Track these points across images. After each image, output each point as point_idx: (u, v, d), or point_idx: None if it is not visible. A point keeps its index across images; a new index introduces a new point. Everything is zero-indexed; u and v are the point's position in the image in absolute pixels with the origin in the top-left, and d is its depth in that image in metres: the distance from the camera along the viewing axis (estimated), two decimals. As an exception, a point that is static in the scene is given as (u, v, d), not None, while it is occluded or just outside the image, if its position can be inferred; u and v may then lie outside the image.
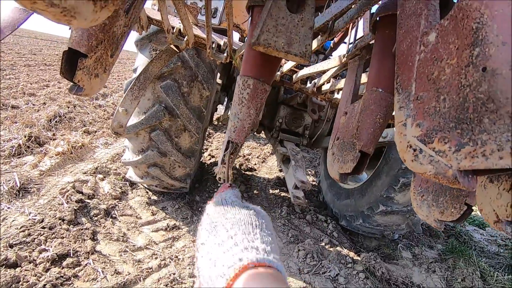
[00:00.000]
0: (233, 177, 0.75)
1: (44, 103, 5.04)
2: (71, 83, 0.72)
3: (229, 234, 0.51)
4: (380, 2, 0.81)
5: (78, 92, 0.72)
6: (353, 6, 0.87)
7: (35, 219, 2.13)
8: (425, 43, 0.47)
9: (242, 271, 0.44)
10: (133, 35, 2.33)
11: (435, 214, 0.91)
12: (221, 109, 4.44)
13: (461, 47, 0.38)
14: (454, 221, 0.84)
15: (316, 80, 1.73)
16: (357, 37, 1.19)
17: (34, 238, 1.95)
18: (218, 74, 3.21)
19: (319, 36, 1.08)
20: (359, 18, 1.10)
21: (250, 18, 0.73)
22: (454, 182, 0.37)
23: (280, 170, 4.68)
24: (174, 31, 1.50)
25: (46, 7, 0.27)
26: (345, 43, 1.87)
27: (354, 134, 0.81)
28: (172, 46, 1.56)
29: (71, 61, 0.68)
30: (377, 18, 0.80)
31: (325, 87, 1.68)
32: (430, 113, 0.42)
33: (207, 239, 0.53)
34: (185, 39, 1.50)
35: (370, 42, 0.96)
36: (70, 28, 0.68)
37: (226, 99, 3.72)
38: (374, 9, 0.96)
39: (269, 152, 5.54)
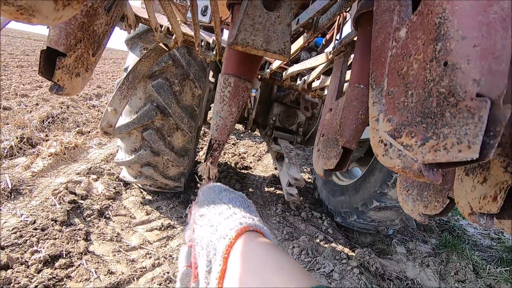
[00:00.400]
0: (217, 175, 0.76)
1: (36, 104, 5.00)
2: (52, 83, 0.71)
3: (227, 206, 0.57)
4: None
5: (59, 92, 0.72)
6: (337, 2, 0.87)
7: (27, 220, 2.12)
8: (396, 39, 0.47)
9: (242, 233, 0.48)
10: (124, 34, 2.31)
11: (420, 208, 0.92)
12: (215, 107, 4.42)
13: (427, 42, 0.38)
14: (438, 214, 0.85)
15: (305, 77, 1.73)
16: (341, 32, 1.20)
17: (26, 240, 1.94)
18: (211, 73, 3.20)
19: (305, 33, 1.08)
20: (342, 14, 1.10)
21: (231, 16, 0.73)
22: (419, 175, 0.38)
23: (276, 168, 4.69)
24: (162, 29, 1.49)
25: (2, 4, 0.27)
26: (338, 40, 1.87)
27: (337, 130, 0.82)
28: (161, 44, 1.55)
29: (50, 60, 0.67)
30: (359, 15, 0.80)
31: (315, 84, 1.69)
32: (399, 108, 0.43)
33: (206, 211, 0.58)
34: (173, 37, 1.49)
35: (354, 39, 0.96)
36: (48, 27, 0.68)
37: (219, 97, 3.71)
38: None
39: (264, 150, 5.54)
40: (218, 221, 0.53)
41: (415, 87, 0.40)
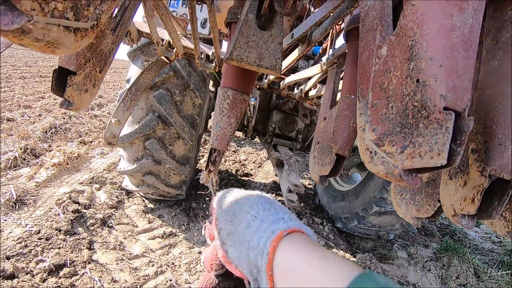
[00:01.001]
0: (218, 182, 0.80)
1: (39, 114, 5.07)
2: (62, 99, 0.76)
3: (251, 215, 0.52)
4: (350, 15, 0.87)
5: (69, 107, 0.77)
6: (329, 16, 0.93)
7: (31, 230, 2.15)
8: (379, 56, 0.52)
9: (278, 241, 0.45)
10: (126, 47, 2.38)
11: (412, 212, 0.96)
12: (215, 116, 4.48)
13: (403, 60, 0.43)
14: (429, 217, 0.89)
15: (302, 86, 1.78)
16: (338, 46, 1.25)
17: (31, 249, 1.97)
18: (211, 82, 3.27)
19: (299, 46, 1.14)
20: (337, 26, 1.16)
21: (229, 33, 0.78)
22: (400, 180, 0.42)
23: (276, 175, 4.72)
24: (163, 43, 1.55)
25: (32, 42, 0.32)
26: (333, 49, 1.94)
27: (331, 138, 0.86)
28: (162, 57, 1.61)
29: (61, 78, 0.72)
30: (349, 29, 0.85)
31: (312, 92, 1.74)
32: (382, 119, 0.47)
33: (232, 228, 0.52)
34: (174, 50, 1.55)
35: (346, 51, 1.02)
36: (59, 48, 0.73)
37: (219, 106, 3.77)
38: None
39: (265, 157, 5.58)
40: (248, 236, 0.49)
41: (395, 100, 0.44)
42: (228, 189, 0.64)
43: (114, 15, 0.83)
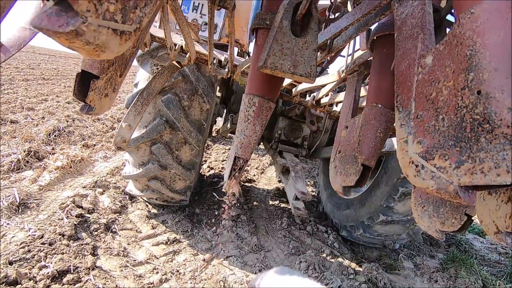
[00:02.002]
0: (240, 192, 0.77)
1: (43, 117, 5.06)
2: (82, 103, 0.74)
3: None
4: (377, 23, 0.85)
5: (89, 112, 0.75)
6: (354, 25, 0.91)
7: (34, 235, 2.11)
8: (422, 65, 0.50)
9: None
10: (134, 51, 2.37)
11: (437, 225, 0.93)
12: (219, 121, 4.47)
13: (457, 71, 0.41)
14: (456, 231, 0.86)
15: (315, 94, 1.77)
16: (354, 51, 1.24)
17: (34, 255, 1.93)
18: (218, 87, 3.26)
19: (319, 53, 1.12)
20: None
21: (254, 39, 0.76)
22: (455, 197, 0.39)
23: (279, 181, 4.69)
24: (176, 48, 1.54)
25: (83, 45, 0.30)
26: (342, 56, 1.94)
27: (355, 148, 0.84)
28: (174, 62, 1.60)
29: (83, 82, 0.70)
30: (375, 37, 0.84)
31: (324, 100, 1.72)
32: (430, 131, 0.45)
33: None
34: (187, 55, 1.54)
35: (368, 59, 1.00)
36: (83, 51, 0.71)
37: (225, 111, 3.76)
38: (373, 27, 1.00)
39: (267, 163, 5.55)
40: None
41: (446, 112, 0.42)
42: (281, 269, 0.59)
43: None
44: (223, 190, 0.80)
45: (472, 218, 0.84)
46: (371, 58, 0.92)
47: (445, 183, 0.41)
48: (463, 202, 0.37)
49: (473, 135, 0.38)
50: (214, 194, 2.23)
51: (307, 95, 1.88)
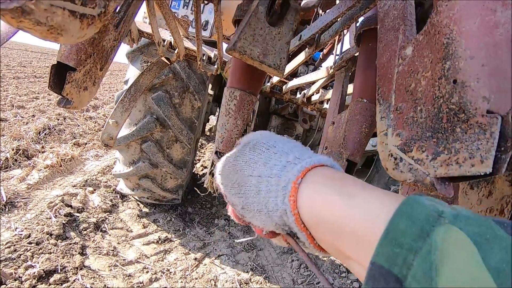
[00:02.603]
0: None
1: (33, 115, 4.97)
2: (60, 96, 0.72)
3: (255, 177, 0.45)
4: (363, 17, 0.85)
5: (67, 105, 0.72)
6: (338, 20, 0.90)
7: (21, 234, 2.07)
8: (402, 57, 0.49)
9: (296, 194, 0.40)
10: (125, 47, 2.34)
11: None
12: (213, 119, 4.45)
13: (434, 60, 0.40)
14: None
15: (305, 91, 1.76)
16: (344, 49, 1.23)
17: (20, 254, 1.89)
18: (210, 85, 3.23)
19: (307, 48, 1.11)
20: (345, 31, 1.13)
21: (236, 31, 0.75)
22: (431, 189, 0.38)
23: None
24: (165, 43, 1.51)
25: (33, 25, 0.28)
26: (333, 54, 1.94)
27: (341, 143, 0.83)
28: (163, 58, 1.57)
29: (59, 75, 0.68)
30: (361, 32, 0.83)
31: (314, 97, 1.71)
32: (408, 123, 0.44)
33: (243, 200, 0.46)
34: (175, 51, 1.52)
35: (355, 54, 0.99)
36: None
37: (218, 109, 3.74)
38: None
39: (261, 162, 5.53)
40: (263, 202, 0.44)
41: (424, 103, 0.41)
42: (224, 156, 0.54)
43: (117, 10, 0.80)
44: (204, 185, 0.78)
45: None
46: (358, 53, 0.91)
47: (422, 175, 0.40)
48: (439, 194, 0.36)
49: (449, 125, 0.37)
50: (195, 189, 2.19)
51: (298, 93, 1.87)
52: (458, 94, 0.35)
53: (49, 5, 0.28)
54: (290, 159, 0.43)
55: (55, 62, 0.67)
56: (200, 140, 5.36)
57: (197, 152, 4.82)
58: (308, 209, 0.39)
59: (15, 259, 1.85)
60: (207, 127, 4.22)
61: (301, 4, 0.65)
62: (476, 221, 0.26)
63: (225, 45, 2.73)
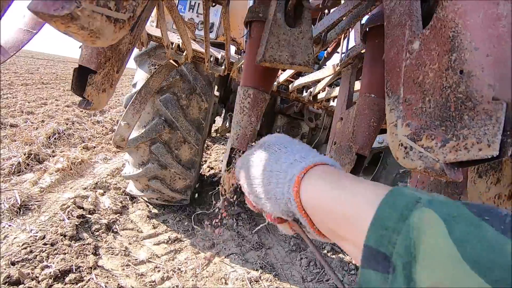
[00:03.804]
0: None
1: (42, 120, 5.07)
2: (81, 98, 0.75)
3: (268, 171, 0.54)
4: (369, 14, 0.87)
5: (87, 107, 0.76)
6: (344, 18, 0.93)
7: (36, 235, 2.12)
8: (410, 51, 0.51)
9: (299, 186, 0.47)
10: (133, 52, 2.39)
11: (432, 213, 0.94)
12: (219, 121, 4.48)
13: (441, 53, 0.42)
14: (450, 218, 0.87)
15: (311, 89, 1.78)
16: (349, 47, 1.25)
17: (36, 255, 1.94)
18: (216, 87, 3.27)
19: (313, 46, 1.13)
20: (350, 29, 1.16)
21: (248, 32, 0.78)
22: (441, 174, 0.41)
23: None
24: (173, 46, 1.55)
25: (78, 29, 0.31)
26: (338, 53, 1.96)
27: (350, 138, 0.85)
28: (171, 61, 1.61)
29: (81, 78, 0.72)
30: (367, 29, 0.85)
31: (321, 95, 1.74)
32: (417, 113, 0.46)
33: (257, 189, 0.55)
34: (184, 53, 1.56)
35: (362, 51, 1.01)
36: (80, 47, 0.72)
37: (223, 110, 3.78)
38: (364, 20, 1.02)
39: (267, 162, 5.55)
40: (272, 191, 0.53)
41: (432, 93, 0.44)
42: (244, 154, 0.64)
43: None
44: (220, 183, 0.81)
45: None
46: (364, 50, 0.93)
47: (432, 162, 0.42)
48: (449, 179, 0.38)
49: (457, 113, 0.39)
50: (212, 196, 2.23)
51: (304, 91, 1.89)
52: (465, 83, 0.38)
53: (91, 12, 0.31)
54: (296, 158, 0.52)
55: (77, 66, 0.71)
56: (206, 141, 5.41)
57: (204, 153, 4.87)
58: (307, 198, 0.46)
59: (31, 259, 1.91)
60: (213, 128, 4.25)
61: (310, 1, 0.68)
62: (447, 204, 0.31)
63: (232, 47, 2.76)
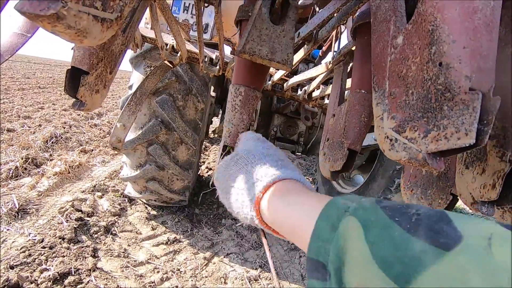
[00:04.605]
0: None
1: (39, 125, 5.06)
2: (74, 99, 0.76)
3: (236, 188, 0.58)
4: (358, 11, 0.88)
5: (81, 108, 0.77)
6: (334, 16, 0.94)
7: (35, 239, 2.13)
8: (394, 46, 0.52)
9: (258, 205, 0.52)
10: (128, 54, 2.40)
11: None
12: (216, 121, 4.49)
13: (422, 46, 0.44)
14: (442, 211, 0.88)
15: (306, 87, 1.79)
16: (343, 45, 1.27)
17: (35, 258, 1.94)
18: (212, 87, 3.28)
19: (305, 45, 1.15)
20: (341, 27, 1.17)
21: (239, 31, 0.79)
22: (424, 164, 0.42)
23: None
24: (167, 47, 1.56)
25: (64, 29, 0.32)
26: (332, 51, 1.96)
27: (342, 133, 0.87)
28: (166, 62, 1.62)
29: (74, 79, 0.73)
30: (356, 26, 0.86)
31: (315, 93, 1.75)
32: (401, 106, 0.48)
33: (226, 199, 0.60)
34: (178, 54, 1.57)
35: (353, 48, 1.03)
36: (72, 48, 0.73)
37: (220, 111, 3.79)
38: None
39: (266, 162, 5.56)
40: (238, 206, 0.58)
41: (415, 86, 0.45)
42: (219, 165, 0.68)
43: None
44: (211, 182, 0.83)
45: (457, 198, 0.87)
46: (354, 47, 0.94)
47: (415, 152, 0.43)
48: (431, 168, 0.40)
49: (437, 105, 0.40)
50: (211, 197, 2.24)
51: (299, 89, 1.91)
52: (444, 75, 0.39)
53: (78, 11, 0.32)
54: (258, 177, 0.56)
55: (70, 67, 0.72)
56: (204, 142, 5.41)
57: (202, 154, 4.87)
58: (265, 214, 0.52)
59: (30, 263, 1.91)
60: (211, 129, 4.26)
61: (299, 2, 0.69)
62: (368, 210, 0.34)
63: (225, 47, 2.78)
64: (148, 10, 1.15)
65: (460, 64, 0.37)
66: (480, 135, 0.35)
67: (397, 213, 0.31)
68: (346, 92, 1.35)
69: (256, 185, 0.54)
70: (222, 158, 0.78)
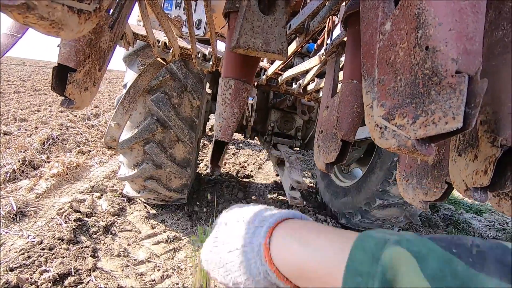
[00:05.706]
0: (223, 165, 0.78)
1: (36, 127, 5.04)
2: (63, 97, 0.75)
3: (235, 255, 0.49)
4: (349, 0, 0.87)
5: (70, 106, 0.76)
6: (326, 4, 0.93)
7: (34, 241, 2.12)
8: (383, 32, 0.51)
9: (269, 255, 0.44)
10: (121, 54, 2.38)
11: (420, 196, 0.95)
12: (213, 119, 4.48)
13: (409, 31, 0.43)
14: (437, 199, 0.88)
15: (301, 81, 1.78)
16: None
17: (34, 260, 1.94)
18: (208, 84, 3.27)
19: (297, 37, 1.14)
20: (332, 17, 1.16)
21: (227, 24, 0.78)
22: (413, 151, 0.41)
23: (277, 175, 4.72)
24: (159, 44, 1.54)
25: (37, 20, 0.31)
26: (328, 43, 1.94)
27: (335, 125, 0.86)
28: (159, 59, 1.60)
29: (61, 76, 0.72)
30: (346, 16, 0.85)
31: (310, 86, 1.74)
32: (390, 93, 0.47)
33: (228, 276, 0.50)
34: (170, 51, 1.55)
35: (344, 39, 1.02)
36: (58, 45, 0.72)
37: (217, 108, 3.77)
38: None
39: (264, 158, 5.57)
40: (244, 275, 0.48)
41: (403, 72, 0.44)
42: (205, 244, 0.59)
43: (111, 12, 0.83)
44: (209, 173, 0.82)
45: (452, 186, 0.86)
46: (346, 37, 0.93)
47: (404, 139, 0.42)
48: (420, 155, 0.39)
49: (425, 89, 0.40)
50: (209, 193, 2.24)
51: (293, 83, 1.90)
52: (431, 59, 0.38)
53: (50, 1, 0.31)
54: (256, 224, 0.49)
55: (56, 65, 0.70)
56: (202, 140, 5.40)
57: (200, 152, 4.86)
58: (282, 262, 0.43)
59: (29, 265, 1.91)
60: (208, 126, 4.25)
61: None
62: (415, 241, 0.31)
63: (219, 42, 2.76)
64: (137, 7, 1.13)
65: (447, 47, 0.36)
66: (468, 118, 0.34)
67: (452, 244, 0.29)
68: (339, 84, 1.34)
69: (257, 233, 0.47)
70: (213, 154, 0.78)
